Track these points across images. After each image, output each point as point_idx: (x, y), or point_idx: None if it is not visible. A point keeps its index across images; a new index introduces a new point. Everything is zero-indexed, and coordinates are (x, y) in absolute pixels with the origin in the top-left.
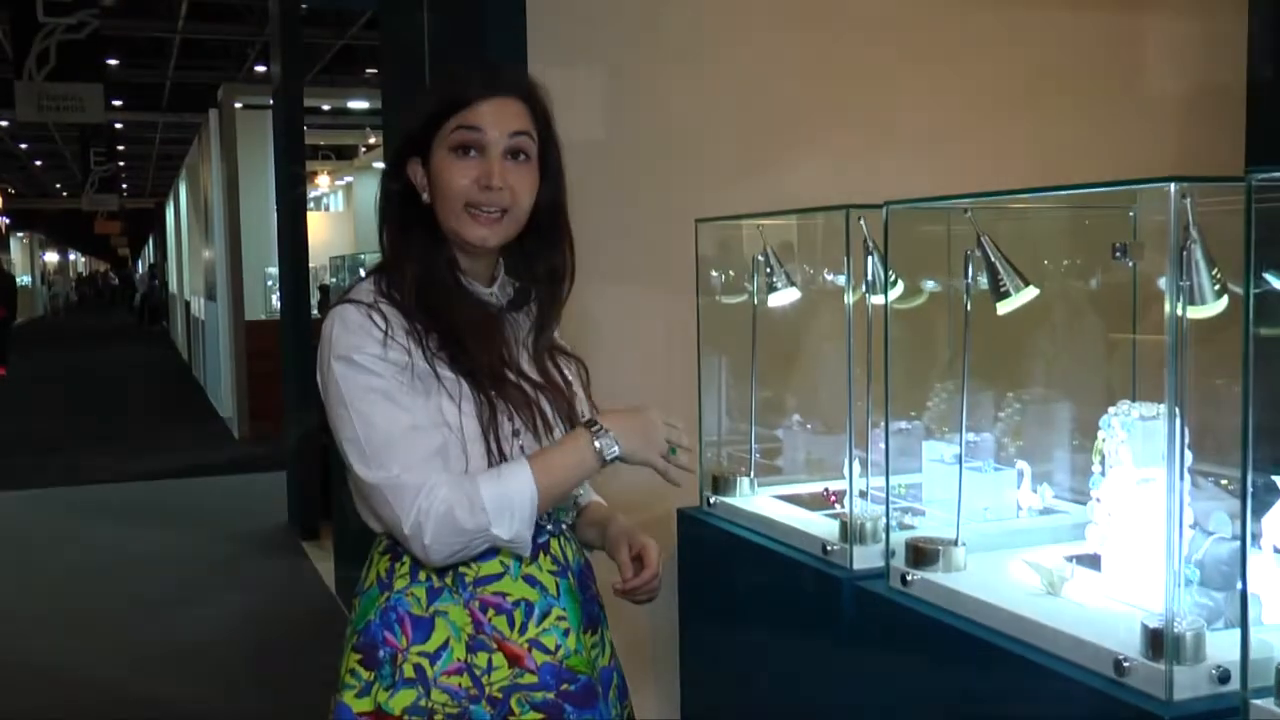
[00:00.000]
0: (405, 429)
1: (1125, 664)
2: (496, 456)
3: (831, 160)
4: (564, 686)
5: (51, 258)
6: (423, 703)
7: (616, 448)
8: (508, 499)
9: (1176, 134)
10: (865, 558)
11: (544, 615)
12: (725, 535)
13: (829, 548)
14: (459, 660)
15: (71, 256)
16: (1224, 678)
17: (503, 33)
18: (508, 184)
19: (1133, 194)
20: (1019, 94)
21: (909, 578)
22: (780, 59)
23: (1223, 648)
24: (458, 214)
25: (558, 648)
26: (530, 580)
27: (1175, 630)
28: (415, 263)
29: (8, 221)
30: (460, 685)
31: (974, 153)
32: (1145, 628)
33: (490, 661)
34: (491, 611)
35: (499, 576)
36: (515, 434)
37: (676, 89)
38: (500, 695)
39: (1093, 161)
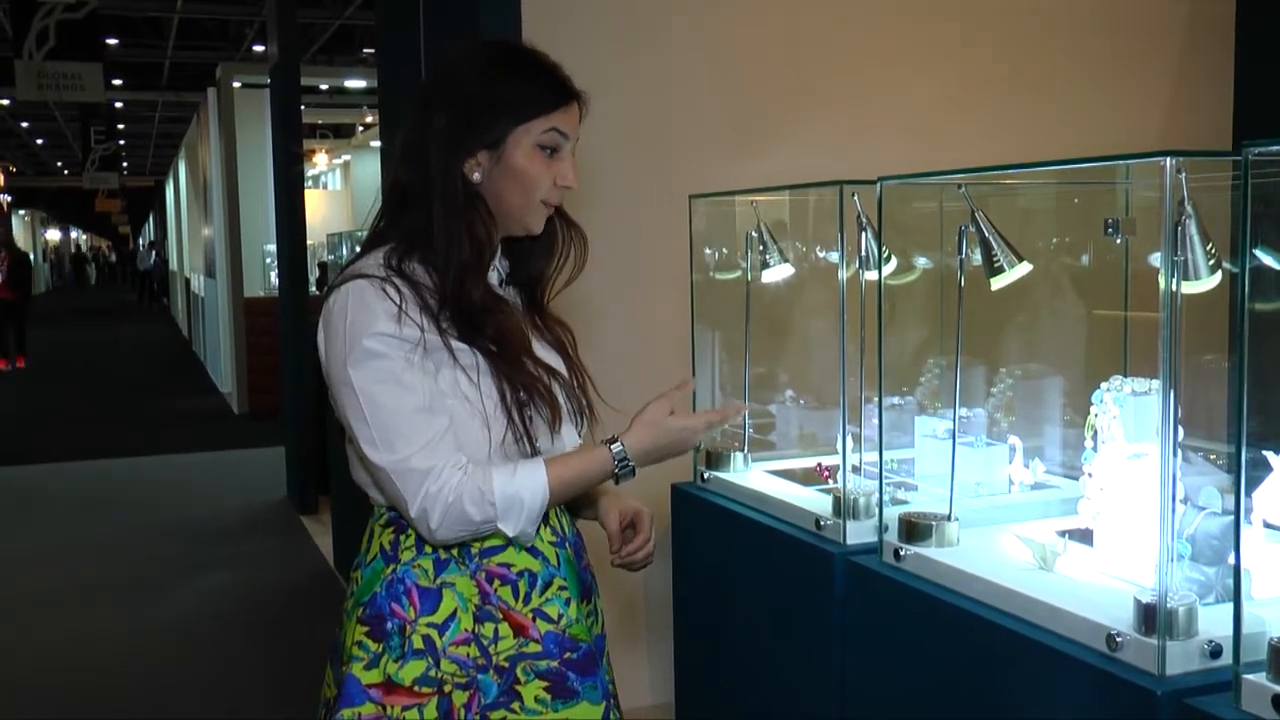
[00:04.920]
0: (412, 411)
1: (1118, 639)
2: (520, 428)
3: (825, 137)
4: (567, 655)
5: (53, 235)
6: (432, 673)
7: (633, 472)
8: (519, 498)
9: (1165, 112)
10: (858, 533)
11: (546, 585)
12: (719, 510)
13: (822, 522)
14: (467, 630)
15: (73, 234)
16: (1216, 652)
17: (496, 13)
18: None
19: (1126, 169)
20: (1011, 73)
21: (902, 553)
22: (775, 37)
23: (1214, 622)
24: (534, 206)
25: (560, 617)
26: (533, 551)
27: (1168, 605)
28: (470, 245)
29: (9, 199)
30: (469, 655)
31: (965, 131)
32: (1138, 603)
33: (496, 631)
34: (497, 582)
35: (504, 548)
36: (525, 405)
37: (671, 66)
38: (507, 664)
39: (1083, 138)
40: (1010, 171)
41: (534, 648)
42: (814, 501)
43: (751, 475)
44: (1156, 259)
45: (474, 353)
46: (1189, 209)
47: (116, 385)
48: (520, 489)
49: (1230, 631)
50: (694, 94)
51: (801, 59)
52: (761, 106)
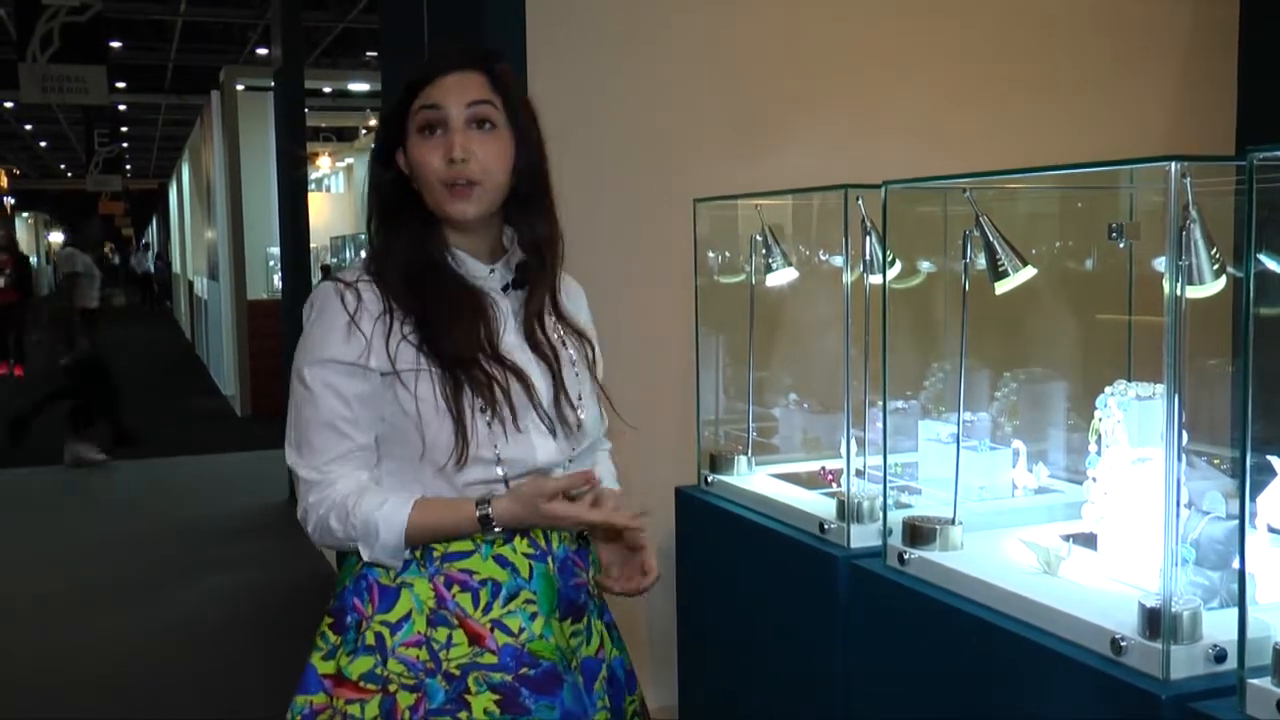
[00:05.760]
0: (322, 425)
1: (1122, 643)
2: (466, 431)
3: (829, 140)
4: (523, 670)
5: (56, 238)
6: (379, 670)
7: (497, 529)
8: (374, 528)
9: (1168, 115)
10: (862, 536)
11: (511, 597)
12: (723, 513)
13: (826, 526)
14: (419, 633)
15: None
16: (1220, 657)
17: (501, 15)
18: (473, 154)
19: (1130, 174)
20: (1015, 75)
21: (906, 556)
22: (778, 40)
23: (1219, 627)
24: (438, 191)
25: (521, 630)
26: (501, 560)
27: (1172, 609)
28: (403, 247)
29: (13, 202)
30: (418, 658)
31: (968, 134)
32: (1142, 607)
33: (450, 638)
34: (457, 588)
35: (468, 554)
36: (482, 410)
37: (675, 69)
38: (458, 672)
39: (1087, 141)
40: (1014, 176)
41: (489, 659)
42: (818, 505)
43: (755, 479)
44: (1160, 263)
45: (419, 357)
46: (1193, 213)
47: (119, 388)
48: (379, 520)
49: (1235, 636)
50: (697, 96)
51: (805, 62)
52: (765, 109)
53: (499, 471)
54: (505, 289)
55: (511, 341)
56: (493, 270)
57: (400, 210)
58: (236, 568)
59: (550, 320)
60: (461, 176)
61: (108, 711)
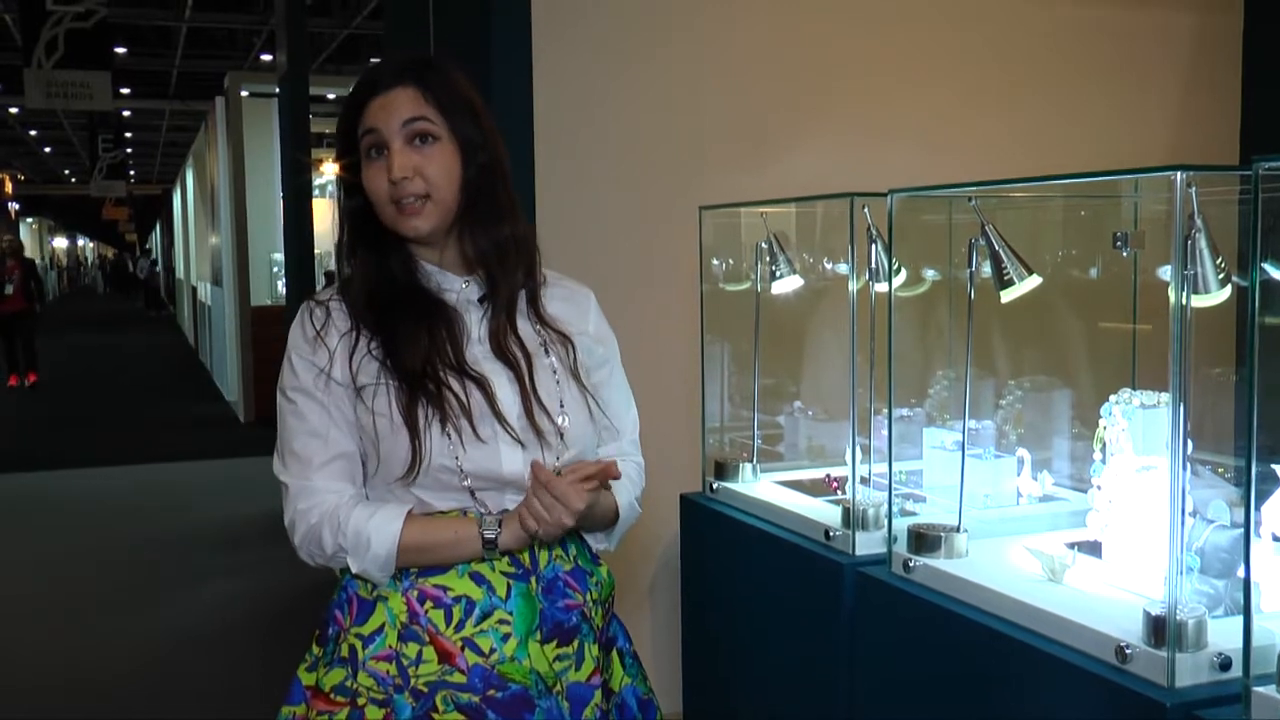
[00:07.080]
0: (304, 434)
1: (1127, 651)
2: (420, 443)
3: (834, 149)
4: (490, 692)
5: (60, 243)
6: (349, 683)
7: (496, 539)
8: (365, 540)
9: (1173, 123)
10: (867, 544)
11: (485, 616)
12: (727, 521)
13: (831, 534)
14: (390, 647)
15: (80, 241)
16: (1225, 665)
17: (506, 22)
18: (414, 171)
19: (1135, 183)
20: (1020, 83)
21: (911, 564)
22: (783, 48)
23: (1223, 635)
24: (390, 213)
25: (492, 651)
26: (477, 578)
27: (1177, 617)
28: (367, 268)
29: (17, 207)
30: (387, 672)
31: (973, 142)
32: (1147, 615)
33: (420, 654)
34: (430, 604)
35: (444, 570)
36: (440, 422)
37: (681, 77)
38: (426, 689)
39: (1092, 149)
40: (1019, 184)
41: (458, 678)
42: (823, 512)
43: (760, 486)
44: (1165, 272)
45: (381, 372)
46: (1198, 223)
47: (122, 393)
48: (371, 532)
49: (1240, 644)
50: (703, 104)
51: (810, 69)
52: (771, 117)
53: (464, 483)
54: (482, 300)
55: (478, 351)
56: (467, 282)
57: (367, 232)
58: (238, 573)
59: (532, 326)
60: (406, 195)
61: (107, 713)
